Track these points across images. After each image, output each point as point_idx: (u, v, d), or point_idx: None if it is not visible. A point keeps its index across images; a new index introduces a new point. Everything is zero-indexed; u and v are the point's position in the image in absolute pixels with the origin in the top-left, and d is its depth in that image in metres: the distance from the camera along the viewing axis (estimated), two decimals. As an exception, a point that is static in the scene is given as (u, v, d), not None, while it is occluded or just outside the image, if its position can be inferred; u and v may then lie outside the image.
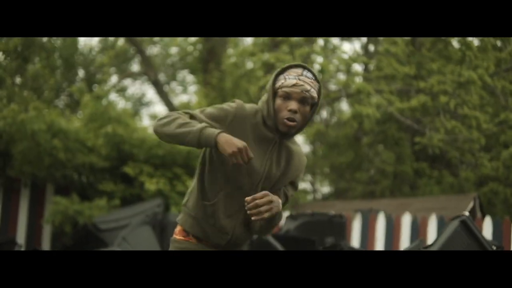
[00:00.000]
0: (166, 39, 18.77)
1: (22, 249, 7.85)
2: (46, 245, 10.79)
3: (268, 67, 12.45)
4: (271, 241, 6.85)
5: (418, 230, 9.61)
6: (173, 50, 19.75)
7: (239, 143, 3.29)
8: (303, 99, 3.49)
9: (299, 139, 15.50)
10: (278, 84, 3.52)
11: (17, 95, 11.62)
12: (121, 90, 20.93)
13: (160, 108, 28.88)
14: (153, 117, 17.33)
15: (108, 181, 10.74)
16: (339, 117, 14.24)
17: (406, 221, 9.78)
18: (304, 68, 3.55)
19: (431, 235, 9.22)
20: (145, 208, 8.78)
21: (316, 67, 10.39)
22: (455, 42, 11.10)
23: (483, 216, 9.95)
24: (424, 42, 11.85)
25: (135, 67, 20.16)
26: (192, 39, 16.58)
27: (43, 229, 10.93)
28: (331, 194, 17.52)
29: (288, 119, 3.48)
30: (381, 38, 12.65)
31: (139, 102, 23.51)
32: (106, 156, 10.87)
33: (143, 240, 7.83)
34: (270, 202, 3.33)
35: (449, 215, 9.22)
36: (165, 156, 10.85)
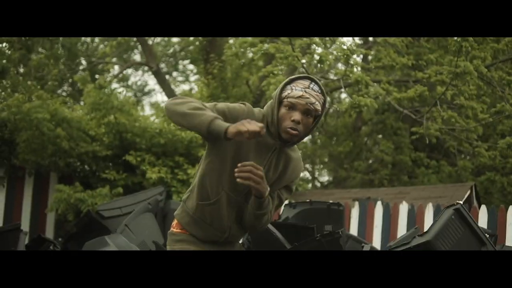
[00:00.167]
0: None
1: (27, 236, 7.96)
2: (49, 233, 10.92)
3: (268, 57, 12.54)
4: (270, 228, 6.95)
5: (415, 218, 9.73)
6: (175, 40, 19.84)
7: (245, 120, 3.31)
8: (307, 111, 3.54)
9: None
10: (285, 93, 3.57)
11: (21, 85, 11.73)
12: (123, 80, 21.04)
13: (161, 98, 28.97)
14: (154, 106, 17.39)
15: (110, 170, 10.87)
16: (338, 107, 14.33)
17: (403, 209, 9.90)
18: (312, 80, 3.60)
19: (428, 223, 9.33)
20: (147, 196, 8.86)
21: (316, 57, 10.47)
22: (453, 33, 11.18)
23: (479, 205, 10.07)
24: (423, 32, 11.90)
25: (137, 57, 20.27)
26: (193, 29, 16.61)
27: (47, 217, 11.07)
28: (330, 183, 17.65)
29: (291, 128, 3.53)
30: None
31: (141, 91, 23.62)
32: (109, 145, 11.01)
33: (145, 227, 7.94)
34: (261, 178, 3.42)
35: (446, 204, 9.33)
36: (167, 145, 10.97)
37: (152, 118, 12.64)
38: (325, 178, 18.90)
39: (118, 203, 8.78)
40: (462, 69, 9.25)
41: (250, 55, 12.88)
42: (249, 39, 10.62)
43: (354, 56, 10.40)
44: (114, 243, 6.72)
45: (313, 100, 3.54)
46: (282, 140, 3.62)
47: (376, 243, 9.88)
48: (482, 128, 11.34)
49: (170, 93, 15.57)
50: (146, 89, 23.88)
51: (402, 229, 9.67)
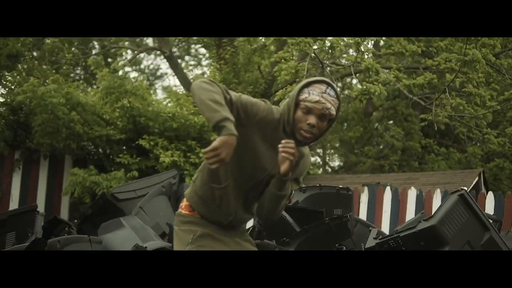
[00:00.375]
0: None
1: (43, 217, 8.18)
2: (64, 215, 11.15)
3: (280, 43, 12.70)
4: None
5: (423, 203, 9.94)
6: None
7: (223, 152, 3.36)
8: (322, 116, 3.66)
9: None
10: (302, 97, 3.68)
11: (36, 69, 11.94)
12: (136, 64, 21.22)
13: (173, 81, 29.11)
14: (167, 90, 17.55)
15: (124, 154, 11.10)
16: (349, 93, 14.48)
17: (412, 194, 10.12)
18: (328, 85, 3.72)
19: (436, 208, 9.53)
20: (161, 179, 9.07)
21: (327, 43, 10.63)
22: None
23: (487, 191, 10.25)
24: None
25: (150, 41, 20.43)
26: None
27: (62, 199, 11.31)
28: (341, 168, 17.81)
29: (306, 131, 3.66)
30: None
31: (153, 75, 23.81)
32: (122, 129, 11.24)
33: (159, 209, 8.16)
34: (294, 153, 3.59)
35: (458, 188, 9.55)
36: (179, 129, 11.17)
37: (165, 103, 12.86)
38: (335, 163, 19.06)
39: (133, 186, 9.00)
40: (471, 57, 9.44)
41: (262, 40, 13.04)
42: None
43: (365, 42, 10.58)
44: (129, 224, 6.96)
45: (329, 105, 3.67)
46: (296, 139, 3.73)
47: (385, 227, 10.10)
48: (491, 115, 11.51)
49: (182, 77, 15.77)
50: (158, 73, 24.09)
51: (410, 214, 9.87)
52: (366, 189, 10.57)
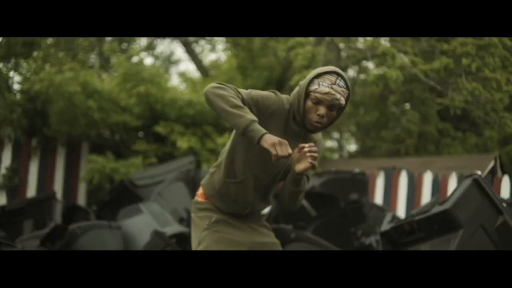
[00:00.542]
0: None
1: (62, 205, 8.38)
2: (81, 202, 11.34)
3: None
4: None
5: (439, 187, 10.08)
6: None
7: (281, 140, 3.57)
8: (332, 106, 3.80)
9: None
10: (312, 88, 3.80)
11: (52, 56, 12.09)
12: (150, 49, 21.36)
13: (189, 66, 29.22)
14: (182, 75, 17.66)
15: (141, 141, 11.29)
16: (366, 78, 14.57)
17: (427, 179, 10.26)
18: (338, 75, 3.83)
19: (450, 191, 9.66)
20: (178, 165, 9.27)
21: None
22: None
23: (504, 175, 10.36)
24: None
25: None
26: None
27: (79, 187, 11.51)
28: (357, 152, 17.90)
29: (316, 122, 3.81)
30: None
31: (168, 60, 23.93)
32: (139, 115, 11.42)
33: (176, 195, 8.35)
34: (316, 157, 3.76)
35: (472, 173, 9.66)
36: (196, 116, 11.35)
37: (181, 87, 13.02)
38: (352, 147, 19.14)
39: (151, 172, 9.20)
40: (487, 41, 9.55)
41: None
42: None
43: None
44: (148, 210, 7.16)
45: (338, 96, 3.79)
46: (306, 128, 3.90)
47: (401, 211, 10.25)
48: (508, 99, 11.59)
49: (198, 63, 15.92)
50: (173, 59, 24.20)
51: (426, 198, 10.02)
52: (382, 173, 10.71)
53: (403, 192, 10.41)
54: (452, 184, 9.87)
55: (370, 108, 16.25)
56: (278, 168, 3.98)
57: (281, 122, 3.89)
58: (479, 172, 6.88)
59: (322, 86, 3.79)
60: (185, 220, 7.92)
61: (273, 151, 3.52)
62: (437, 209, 5.87)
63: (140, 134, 11.60)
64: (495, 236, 5.75)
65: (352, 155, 17.83)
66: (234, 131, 4.01)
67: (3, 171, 10.88)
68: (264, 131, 3.58)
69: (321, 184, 8.67)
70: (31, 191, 11.04)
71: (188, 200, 8.42)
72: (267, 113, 3.84)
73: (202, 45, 22.19)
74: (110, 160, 10.74)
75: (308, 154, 3.71)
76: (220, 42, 21.12)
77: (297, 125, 3.92)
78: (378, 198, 10.56)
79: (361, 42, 12.97)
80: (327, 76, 3.83)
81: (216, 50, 21.73)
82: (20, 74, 11.29)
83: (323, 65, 9.27)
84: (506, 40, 9.65)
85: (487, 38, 9.42)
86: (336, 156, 17.00)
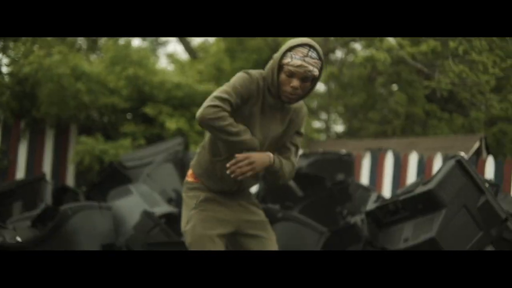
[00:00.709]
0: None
1: (51, 186, 8.45)
2: (70, 184, 11.40)
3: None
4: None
5: (424, 168, 10.24)
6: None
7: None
8: (305, 78, 3.88)
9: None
10: (285, 61, 3.88)
11: (40, 39, 12.13)
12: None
13: (177, 48, 29.19)
14: (170, 57, 17.70)
15: (129, 122, 11.39)
16: (354, 59, 14.68)
17: (413, 159, 10.42)
18: (310, 47, 3.90)
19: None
20: (167, 147, 9.39)
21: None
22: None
23: (489, 156, 10.51)
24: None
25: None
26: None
27: (67, 168, 11.61)
28: (345, 133, 18.04)
29: (290, 93, 3.91)
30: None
31: (156, 41, 23.93)
32: (127, 97, 11.49)
33: (165, 176, 8.47)
34: (252, 163, 3.89)
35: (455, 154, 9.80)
36: (184, 98, 11.43)
37: (169, 70, 13.08)
38: (339, 128, 19.28)
39: (140, 154, 9.31)
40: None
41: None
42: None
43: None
44: (137, 191, 7.29)
45: (311, 68, 3.87)
46: (282, 100, 4.00)
47: (386, 191, 10.41)
48: (494, 81, 11.73)
49: (186, 45, 15.98)
50: (161, 40, 24.21)
51: (411, 179, 10.17)
52: (368, 154, 10.86)
53: (388, 172, 10.57)
54: (437, 164, 10.02)
55: (358, 89, 16.37)
56: (266, 141, 4.07)
57: (259, 98, 3.98)
58: (462, 153, 7.02)
59: (295, 59, 3.87)
60: (173, 201, 8.04)
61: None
62: (421, 189, 6.01)
63: (129, 115, 11.69)
64: (478, 216, 5.90)
65: (339, 136, 17.97)
66: None
67: (-7, 153, 10.96)
68: (254, 144, 3.92)
69: (308, 165, 8.82)
70: (20, 173, 11.12)
71: (176, 181, 8.54)
72: (249, 96, 3.95)
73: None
74: (100, 141, 10.83)
75: (234, 168, 3.90)
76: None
77: (272, 97, 4.01)
78: (364, 178, 10.72)
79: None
80: (300, 49, 3.90)
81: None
82: (8, 56, 11.33)
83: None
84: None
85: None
86: (323, 137, 17.14)
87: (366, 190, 8.33)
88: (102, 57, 12.87)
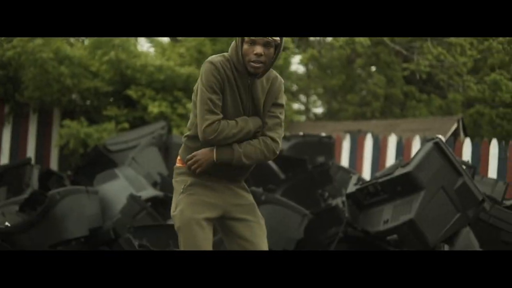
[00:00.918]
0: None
1: (38, 170, 8.51)
2: (54, 167, 11.48)
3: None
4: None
5: (403, 150, 10.40)
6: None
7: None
8: (267, 43, 3.98)
9: (295, 60, 16.09)
10: None
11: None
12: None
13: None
14: (152, 40, 17.61)
15: (112, 105, 11.46)
16: (332, 42, 14.78)
17: (392, 141, 10.57)
18: None
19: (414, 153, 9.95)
20: (150, 130, 9.49)
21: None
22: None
23: (467, 137, 10.68)
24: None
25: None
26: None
27: (51, 152, 11.69)
28: (324, 115, 18.14)
29: (255, 61, 3.99)
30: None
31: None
32: (110, 81, 11.53)
33: (150, 159, 8.59)
34: (197, 161, 4.10)
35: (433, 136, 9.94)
36: (166, 81, 11.48)
37: (150, 53, 13.09)
38: (319, 110, 19.36)
39: (124, 137, 9.40)
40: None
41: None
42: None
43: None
44: (123, 175, 7.40)
45: None
46: (251, 74, 4.06)
47: (366, 173, 10.57)
48: (471, 63, 11.92)
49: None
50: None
51: (390, 161, 10.31)
52: (348, 136, 10.99)
53: (368, 154, 10.72)
54: (416, 146, 10.16)
55: (337, 71, 16.44)
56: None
57: (230, 80, 4.08)
58: (440, 136, 7.16)
59: None
60: (158, 184, 8.16)
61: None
62: (399, 171, 6.16)
63: (112, 99, 11.74)
64: (455, 197, 6.08)
65: (318, 118, 18.06)
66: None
67: (-23, 137, 11.02)
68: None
69: (289, 147, 8.97)
70: (4, 157, 11.19)
71: (161, 164, 8.66)
72: (220, 85, 4.05)
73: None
74: (83, 125, 10.91)
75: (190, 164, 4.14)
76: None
77: (241, 75, 4.10)
78: (344, 160, 10.85)
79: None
80: None
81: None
82: (-9, 41, 11.36)
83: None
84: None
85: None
86: (303, 118, 17.23)
87: (347, 172, 8.47)
88: (82, 41, 12.89)
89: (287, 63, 13.77)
